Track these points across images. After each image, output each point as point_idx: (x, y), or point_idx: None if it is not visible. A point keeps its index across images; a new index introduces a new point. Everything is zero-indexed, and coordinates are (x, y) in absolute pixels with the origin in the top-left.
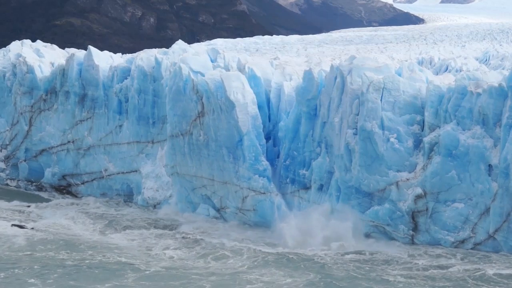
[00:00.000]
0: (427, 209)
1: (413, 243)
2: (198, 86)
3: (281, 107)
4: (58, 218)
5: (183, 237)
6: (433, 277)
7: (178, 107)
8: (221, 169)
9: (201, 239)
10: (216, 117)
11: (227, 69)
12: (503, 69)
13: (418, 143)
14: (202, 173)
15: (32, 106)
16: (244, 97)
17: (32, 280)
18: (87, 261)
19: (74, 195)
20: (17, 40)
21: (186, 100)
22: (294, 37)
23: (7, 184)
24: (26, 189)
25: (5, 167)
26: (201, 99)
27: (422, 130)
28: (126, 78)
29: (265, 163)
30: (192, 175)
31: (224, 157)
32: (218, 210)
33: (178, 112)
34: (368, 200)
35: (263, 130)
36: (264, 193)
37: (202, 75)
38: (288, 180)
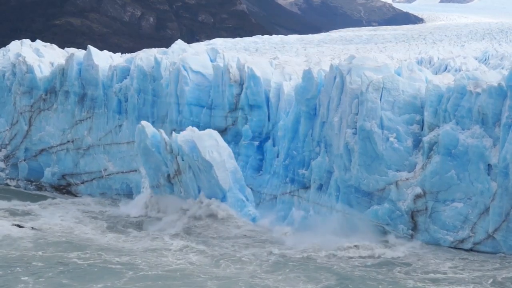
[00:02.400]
0: (426, 209)
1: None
2: (172, 145)
3: (280, 106)
4: (57, 218)
5: (184, 238)
6: (440, 279)
7: (152, 162)
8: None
9: (204, 241)
10: (195, 176)
11: (227, 69)
12: (502, 68)
13: (417, 143)
14: None
15: (31, 106)
16: (220, 154)
17: (26, 278)
18: (85, 261)
19: (73, 195)
20: (16, 40)
21: (159, 157)
22: (294, 37)
23: (6, 184)
24: (25, 189)
25: (4, 166)
26: (176, 159)
27: (422, 130)
28: (126, 78)
29: (252, 212)
30: None
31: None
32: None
33: (152, 166)
34: (368, 199)
35: (262, 130)
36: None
37: (178, 132)
38: (287, 179)
